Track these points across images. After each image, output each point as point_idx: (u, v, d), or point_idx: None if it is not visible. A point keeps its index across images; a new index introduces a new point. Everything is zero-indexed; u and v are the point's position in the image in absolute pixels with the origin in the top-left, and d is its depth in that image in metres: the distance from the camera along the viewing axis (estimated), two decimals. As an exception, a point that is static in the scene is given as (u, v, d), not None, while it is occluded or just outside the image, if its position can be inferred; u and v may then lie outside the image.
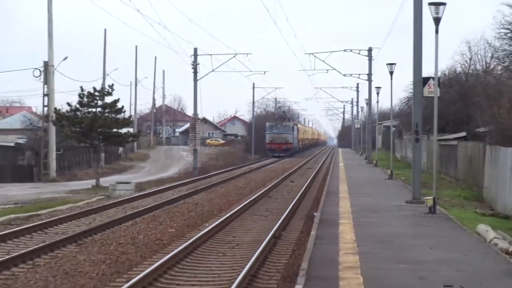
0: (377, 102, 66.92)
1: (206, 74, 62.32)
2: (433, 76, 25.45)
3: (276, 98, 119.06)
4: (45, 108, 52.23)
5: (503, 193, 25.21)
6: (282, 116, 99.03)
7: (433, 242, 16.61)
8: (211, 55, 59.01)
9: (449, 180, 38.56)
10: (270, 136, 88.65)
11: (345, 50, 62.45)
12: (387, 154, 62.49)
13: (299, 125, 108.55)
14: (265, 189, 35.03)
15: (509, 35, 36.51)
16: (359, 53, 62.12)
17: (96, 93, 43.10)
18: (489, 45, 46.91)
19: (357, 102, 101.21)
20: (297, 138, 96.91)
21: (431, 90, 25.30)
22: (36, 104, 59.36)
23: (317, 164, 65.63)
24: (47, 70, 51.34)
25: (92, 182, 42.84)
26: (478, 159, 31.04)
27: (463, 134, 39.75)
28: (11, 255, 15.97)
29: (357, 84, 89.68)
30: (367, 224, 19.75)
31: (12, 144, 60.49)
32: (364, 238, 16.96)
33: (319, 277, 12.27)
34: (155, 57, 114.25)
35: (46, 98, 51.75)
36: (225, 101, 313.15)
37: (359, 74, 69.14)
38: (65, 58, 57.42)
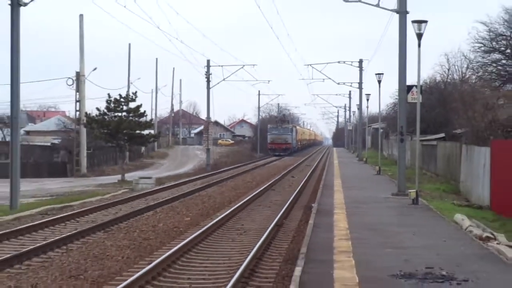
0: (367, 107, 66.90)
1: (218, 83, 62.07)
2: (416, 84, 25.39)
3: (278, 104, 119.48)
4: (77, 113, 52.34)
5: (477, 187, 25.15)
6: (282, 119, 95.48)
7: (416, 229, 16.61)
8: (222, 66, 59.01)
9: (430, 175, 38.45)
10: (271, 137, 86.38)
11: (339, 62, 62.53)
12: (375, 153, 62.44)
13: (297, 127, 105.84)
14: (269, 183, 34.96)
15: (482, 48, 36.43)
16: (351, 64, 62.22)
17: (122, 100, 43.19)
18: (465, 57, 46.83)
19: (350, 107, 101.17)
20: (295, 139, 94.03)
21: (414, 97, 25.23)
22: (69, 109, 59.69)
23: (314, 161, 65.58)
24: (78, 80, 51.45)
25: (118, 177, 42.90)
26: (455, 157, 30.96)
27: (442, 135, 39.68)
28: (47, 241, 15.97)
29: (350, 91, 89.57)
30: (358, 214, 19.74)
31: (49, 144, 60.77)
32: (356, 226, 16.95)
33: (316, 260, 12.23)
34: (173, 68, 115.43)
35: (78, 103, 51.88)
36: (234, 106, 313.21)
37: (351, 83, 69.07)
38: (95, 69, 57.64)
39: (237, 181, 39.20)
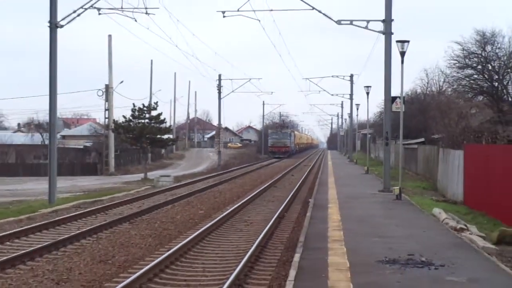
0: (357, 115, 67.41)
1: (228, 94, 62.58)
2: (399, 95, 25.39)
3: (280, 112, 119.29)
4: (106, 120, 52.37)
5: (452, 185, 25.12)
6: (282, 125, 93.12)
7: (399, 221, 16.61)
8: (231, 79, 59.18)
9: (411, 175, 38.41)
10: (272, 141, 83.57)
11: (332, 76, 62.72)
12: (364, 155, 62.47)
13: (295, 132, 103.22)
14: (272, 181, 34.97)
15: (457, 65, 36.35)
16: (343, 78, 62.12)
17: (145, 108, 43.21)
18: (442, 72, 46.78)
19: (342, 115, 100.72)
20: (294, 143, 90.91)
21: (397, 106, 25.21)
22: (99, 116, 59.89)
23: (311, 162, 65.49)
24: (107, 91, 51.52)
25: (141, 175, 42.90)
26: (433, 158, 30.94)
27: (422, 139, 39.66)
28: (80, 230, 16.02)
29: (342, 101, 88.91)
30: (349, 208, 19.69)
31: (81, 147, 61.01)
32: (347, 218, 16.93)
33: (313, 248, 12.24)
34: (189, 81, 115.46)
35: (107, 112, 51.92)
36: (242, 114, 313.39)
37: (343, 94, 69.68)
38: (121, 82, 57.96)
39: (244, 179, 39.22)
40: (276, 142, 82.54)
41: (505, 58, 33.63)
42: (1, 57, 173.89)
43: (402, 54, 23.29)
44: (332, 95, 66.56)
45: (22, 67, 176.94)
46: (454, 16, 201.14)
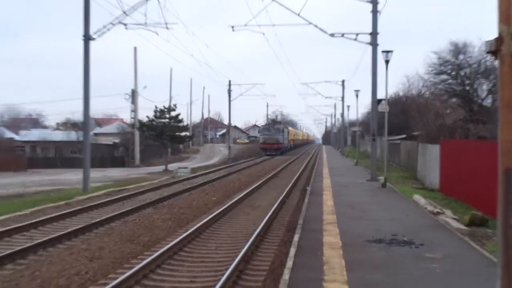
0: (348, 115, 67.84)
1: (236, 97, 62.85)
2: (384, 98, 25.32)
3: (281, 112, 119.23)
4: (132, 119, 52.58)
5: (429, 175, 25.07)
6: (275, 121, 78.65)
7: (384, 206, 16.58)
8: (239, 84, 59.83)
9: (395, 166, 38.31)
10: (263, 138, 68.85)
11: (326, 81, 63.18)
12: (354, 149, 62.38)
13: (290, 128, 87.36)
14: (275, 172, 34.96)
15: (433, 71, 36.10)
16: (336, 83, 62.37)
17: (165, 110, 43.28)
18: (421, 78, 46.52)
19: (335, 115, 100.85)
20: (287, 139, 76.16)
21: (383, 107, 25.14)
22: (126, 116, 59.91)
23: (308, 156, 65.42)
24: (133, 95, 51.66)
25: (162, 167, 43.01)
26: (414, 152, 30.87)
27: (404, 136, 39.54)
28: (110, 215, 16.06)
29: (335, 103, 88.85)
30: (341, 194, 19.68)
31: (111, 143, 61.15)
32: (339, 203, 16.92)
33: (310, 229, 12.22)
34: (203, 87, 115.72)
35: (132, 113, 52.11)
36: (248, 114, 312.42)
37: (336, 97, 69.30)
38: (145, 87, 58.31)
39: (251, 170, 39.23)
40: (267, 139, 67.99)
41: (475, 65, 33.42)
42: (43, 65, 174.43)
43: (387, 62, 23.25)
44: (326, 97, 67.43)
45: (60, 74, 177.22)
46: (432, 29, 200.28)
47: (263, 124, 78.46)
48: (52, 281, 8.95)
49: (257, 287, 8.74)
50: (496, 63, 2.18)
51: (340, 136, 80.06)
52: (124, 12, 24.51)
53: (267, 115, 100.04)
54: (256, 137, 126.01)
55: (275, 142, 67.36)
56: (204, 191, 23.96)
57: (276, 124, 72.54)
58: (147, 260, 9.80)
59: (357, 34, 25.84)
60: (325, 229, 12.13)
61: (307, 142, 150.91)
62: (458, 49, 34.22)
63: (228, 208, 17.45)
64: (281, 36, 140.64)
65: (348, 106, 60.87)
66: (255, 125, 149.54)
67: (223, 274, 8.92)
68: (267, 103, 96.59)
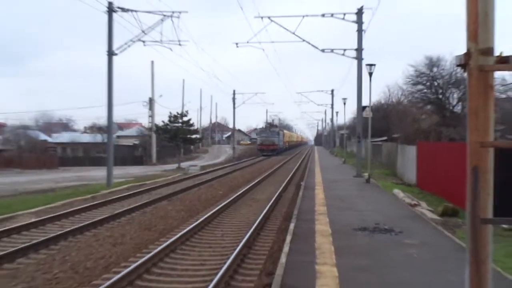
0: (336, 120, 67.76)
1: (240, 105, 62.76)
2: (368, 105, 25.35)
3: (279, 118, 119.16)
4: (150, 124, 52.59)
5: (407, 172, 25.07)
6: (271, 124, 75.31)
7: (369, 199, 16.56)
8: (243, 93, 60.29)
9: (377, 164, 38.17)
10: (260, 139, 66.25)
11: (318, 91, 63.36)
12: (342, 150, 62.26)
13: (285, 131, 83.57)
14: (273, 169, 34.93)
15: (411, 82, 36.12)
16: (326, 92, 62.25)
17: (178, 115, 43.37)
18: (400, 88, 46.59)
19: (325, 120, 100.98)
20: (282, 141, 72.58)
21: (367, 113, 25.18)
22: (144, 121, 59.84)
23: (302, 155, 65.37)
24: (150, 102, 51.64)
25: (176, 165, 42.99)
26: (394, 152, 30.85)
27: (385, 138, 39.56)
28: (130, 206, 16.07)
29: (325, 110, 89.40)
30: (331, 189, 19.67)
31: (131, 144, 61.13)
32: (329, 196, 16.91)
33: (304, 219, 12.21)
34: (211, 95, 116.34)
35: (150, 118, 52.12)
36: (250, 119, 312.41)
37: (326, 104, 68.97)
38: (161, 96, 59.36)
39: (253, 168, 39.21)
40: (264, 141, 65.36)
41: (447, 77, 33.43)
42: (73, 76, 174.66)
43: (370, 74, 23.26)
44: (318, 105, 67.18)
45: (88, 84, 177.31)
46: (410, 45, 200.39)
47: (261, 127, 76.32)
48: (80, 264, 8.96)
49: (259, 269, 8.74)
50: (465, 75, 2.19)
51: (330, 138, 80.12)
52: (143, 31, 24.52)
53: (267, 120, 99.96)
54: (256, 139, 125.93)
55: (271, 143, 64.88)
56: (212, 186, 23.96)
57: (272, 127, 69.84)
58: (162, 246, 9.80)
59: (344, 50, 25.86)
60: (317, 219, 12.13)
61: (301, 143, 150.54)
62: (432, 63, 34.24)
63: (233, 201, 17.44)
64: (278, 52, 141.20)
65: (337, 112, 61.76)
66: (255, 129, 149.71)
67: (228, 258, 8.92)
68: (267, 110, 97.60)
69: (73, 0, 51.23)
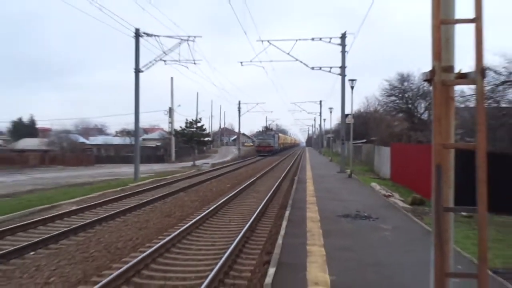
0: (324, 125, 67.61)
1: (244, 113, 62.61)
2: (350, 113, 25.32)
3: (276, 124, 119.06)
4: (170, 129, 52.59)
5: (383, 168, 25.02)
6: (268, 128, 71.93)
7: (350, 191, 16.54)
8: (246, 103, 60.04)
9: (358, 162, 38.07)
10: (258, 142, 63.15)
11: (309, 101, 63.35)
12: (329, 150, 62.22)
13: (280, 134, 78.74)
14: (271, 166, 34.87)
15: (386, 94, 36.07)
16: (316, 103, 62.80)
17: (193, 122, 43.28)
18: (377, 99, 46.52)
19: (315, 125, 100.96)
20: (277, 143, 68.15)
21: (349, 120, 25.16)
22: (165, 126, 59.97)
23: (295, 156, 65.18)
24: (170, 111, 51.65)
25: (191, 163, 42.93)
26: (372, 152, 30.82)
27: (364, 140, 39.44)
28: (153, 197, 16.04)
29: (315, 117, 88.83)
30: (319, 182, 19.66)
31: (154, 146, 61.00)
32: (318, 189, 16.89)
33: (297, 207, 12.20)
34: (220, 105, 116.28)
35: (170, 124, 52.13)
36: (253, 125, 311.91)
37: (316, 113, 69.21)
38: (179, 106, 58.83)
39: (255, 165, 39.14)
40: (261, 143, 62.10)
41: (416, 90, 33.37)
42: (106, 88, 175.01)
43: (352, 87, 23.31)
44: (309, 113, 67.45)
45: (119, 96, 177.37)
46: (385, 63, 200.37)
47: (258, 130, 73.67)
48: (112, 244, 8.97)
49: (260, 249, 8.73)
50: (431, 88, 2.19)
51: (319, 141, 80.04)
52: (164, 52, 24.55)
53: (266, 125, 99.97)
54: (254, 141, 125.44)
55: (267, 145, 61.67)
56: (221, 180, 23.95)
57: (268, 131, 66.64)
58: (180, 230, 9.80)
59: (331, 67, 25.89)
60: (308, 207, 12.11)
61: (294, 145, 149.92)
62: (403, 78, 34.17)
63: (238, 192, 17.42)
64: (276, 69, 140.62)
65: (324, 119, 61.93)
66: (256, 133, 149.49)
67: (234, 239, 8.91)
68: (266, 117, 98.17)
69: (107, 26, 51.39)
